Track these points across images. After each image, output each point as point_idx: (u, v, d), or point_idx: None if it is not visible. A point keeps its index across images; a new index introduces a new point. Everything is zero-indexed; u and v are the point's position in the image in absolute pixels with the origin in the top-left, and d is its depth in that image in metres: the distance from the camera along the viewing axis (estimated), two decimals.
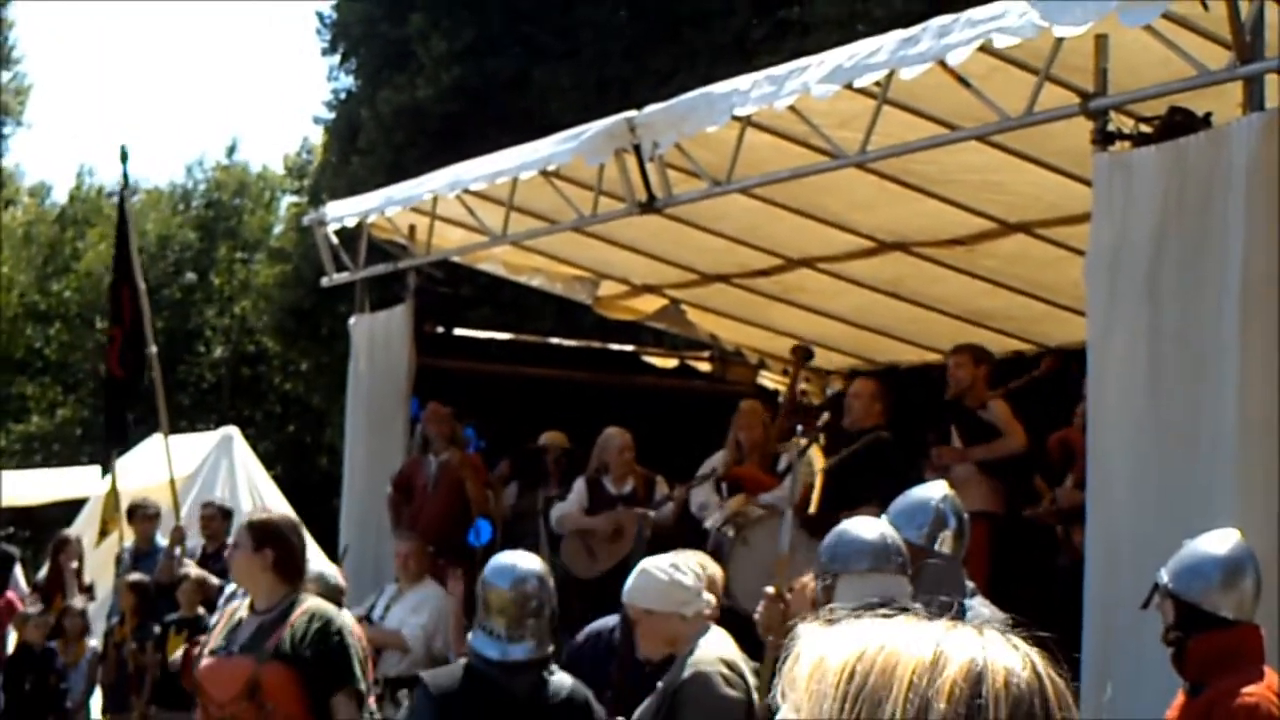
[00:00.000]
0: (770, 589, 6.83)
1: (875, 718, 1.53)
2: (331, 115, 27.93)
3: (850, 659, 1.57)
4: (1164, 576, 5.53)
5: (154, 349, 11.68)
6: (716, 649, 6.17)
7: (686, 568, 6.34)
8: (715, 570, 6.98)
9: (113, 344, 11.93)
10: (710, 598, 6.37)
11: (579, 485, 11.26)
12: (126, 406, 12.10)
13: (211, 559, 11.89)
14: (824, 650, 1.59)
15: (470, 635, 6.43)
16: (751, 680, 6.18)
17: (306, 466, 30.18)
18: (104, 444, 12.10)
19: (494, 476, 12.05)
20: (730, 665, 6.12)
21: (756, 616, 6.83)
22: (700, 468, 11.05)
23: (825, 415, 11.10)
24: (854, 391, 10.48)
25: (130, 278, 11.72)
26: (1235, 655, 5.43)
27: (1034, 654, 1.61)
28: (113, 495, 11.98)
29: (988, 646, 1.58)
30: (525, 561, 6.43)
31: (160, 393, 11.84)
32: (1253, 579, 5.54)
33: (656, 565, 6.34)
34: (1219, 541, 5.59)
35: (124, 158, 12.33)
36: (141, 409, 13.08)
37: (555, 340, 14.49)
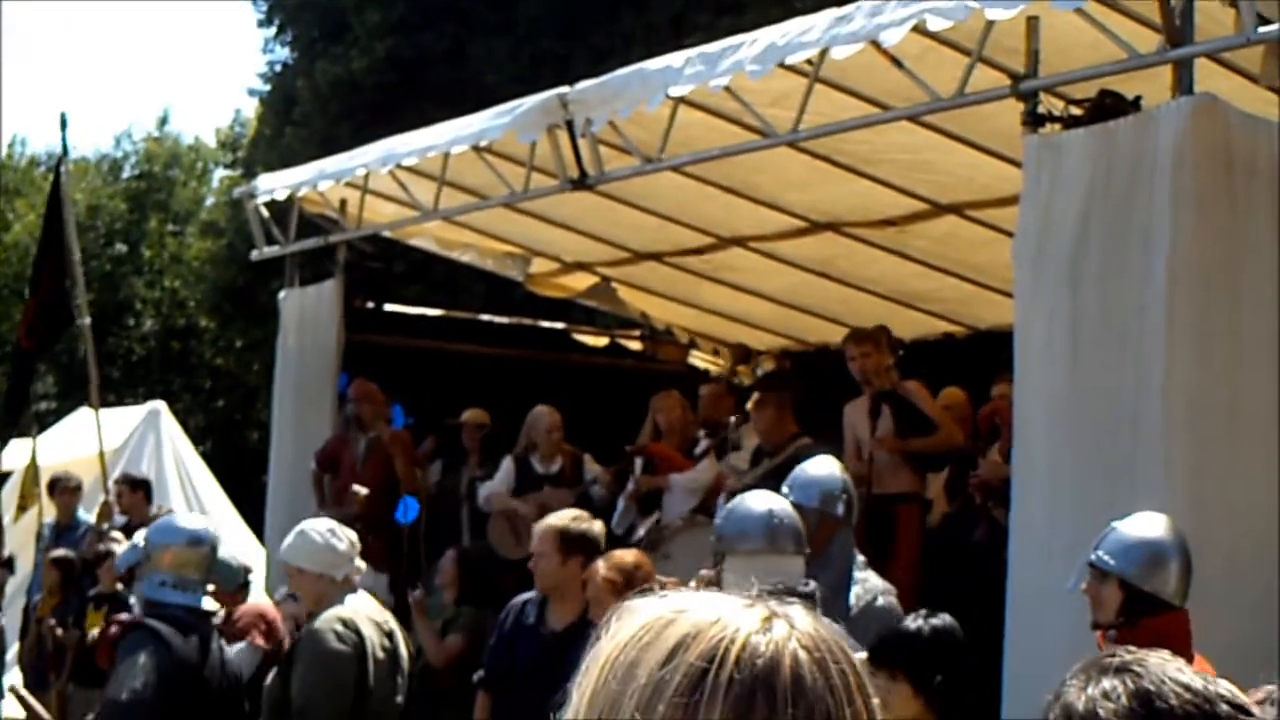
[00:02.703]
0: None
1: (617, 709, 1.50)
2: (267, 87, 27.72)
3: (618, 646, 1.54)
4: (1108, 560, 5.48)
5: (87, 320, 11.49)
6: (341, 609, 6.64)
7: (343, 534, 6.79)
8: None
9: (26, 314, 11.68)
10: (361, 564, 6.83)
11: (506, 464, 11.19)
12: (30, 380, 11.77)
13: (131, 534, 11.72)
14: (609, 637, 1.57)
15: (149, 590, 6.74)
16: (372, 635, 6.65)
17: (237, 442, 29.98)
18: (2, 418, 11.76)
19: (419, 453, 11.98)
20: (346, 622, 6.59)
21: None
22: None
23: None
24: (756, 418, 10.28)
25: (56, 249, 11.49)
26: (1168, 641, 5.42)
27: (805, 633, 1.53)
28: (32, 469, 11.81)
29: (740, 626, 1.52)
30: (197, 521, 7.10)
31: (93, 366, 11.69)
32: (1186, 563, 5.54)
33: (314, 528, 6.81)
34: (1157, 525, 5.58)
35: (63, 125, 12.06)
36: (70, 382, 12.84)
37: (485, 317, 14.42)
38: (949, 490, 10.11)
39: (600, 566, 6.88)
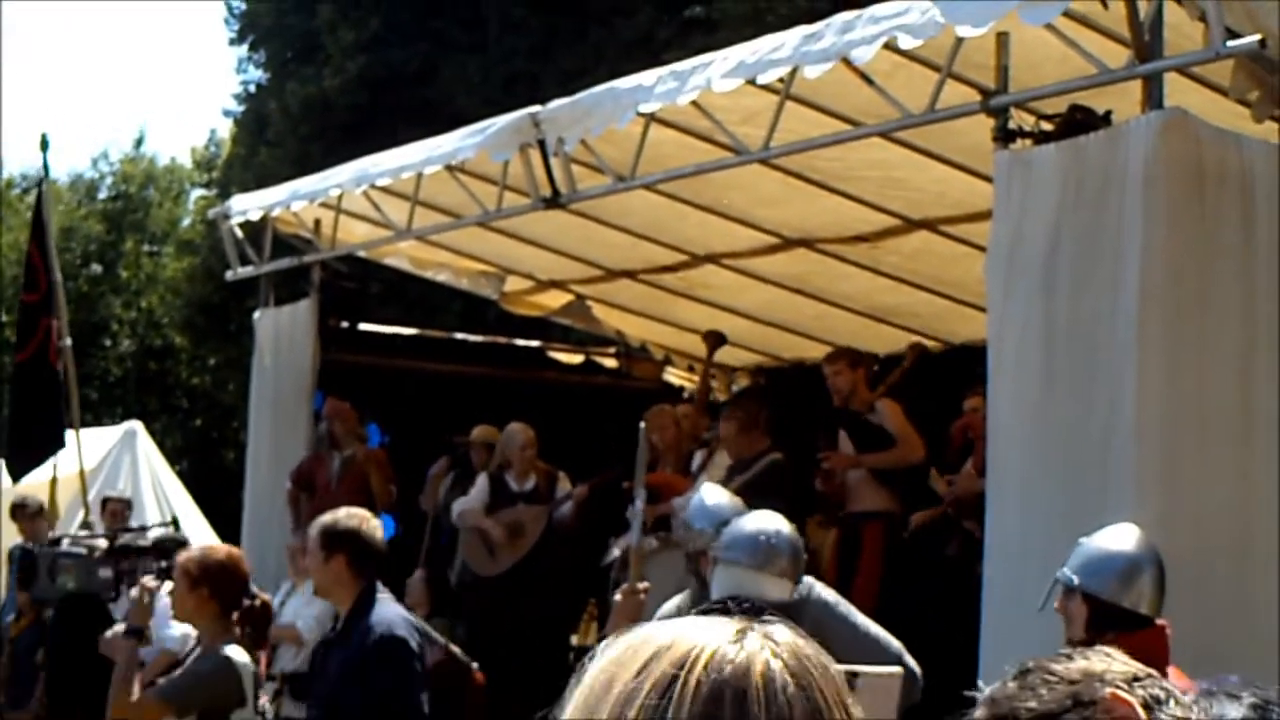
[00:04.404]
0: (626, 585, 6.87)
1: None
2: (241, 108, 27.72)
3: (600, 669, 1.54)
4: (1073, 577, 5.45)
5: (69, 342, 11.47)
6: None
7: None
8: None
9: (48, 335, 11.58)
10: None
11: (481, 481, 11.21)
12: (58, 400, 11.66)
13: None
14: (594, 664, 1.57)
15: None
16: None
17: (213, 461, 29.90)
18: (40, 445, 11.68)
19: (433, 472, 11.98)
20: None
21: (614, 603, 6.89)
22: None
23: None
24: (723, 434, 10.33)
25: (50, 270, 11.49)
26: (1142, 655, 5.40)
27: (784, 644, 1.53)
28: (53, 485, 11.72)
29: (713, 637, 1.52)
30: None
31: (73, 386, 11.65)
32: (1157, 575, 5.52)
33: None
34: (1124, 538, 5.56)
35: (44, 146, 12.00)
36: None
37: (460, 335, 14.43)
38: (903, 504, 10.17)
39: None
